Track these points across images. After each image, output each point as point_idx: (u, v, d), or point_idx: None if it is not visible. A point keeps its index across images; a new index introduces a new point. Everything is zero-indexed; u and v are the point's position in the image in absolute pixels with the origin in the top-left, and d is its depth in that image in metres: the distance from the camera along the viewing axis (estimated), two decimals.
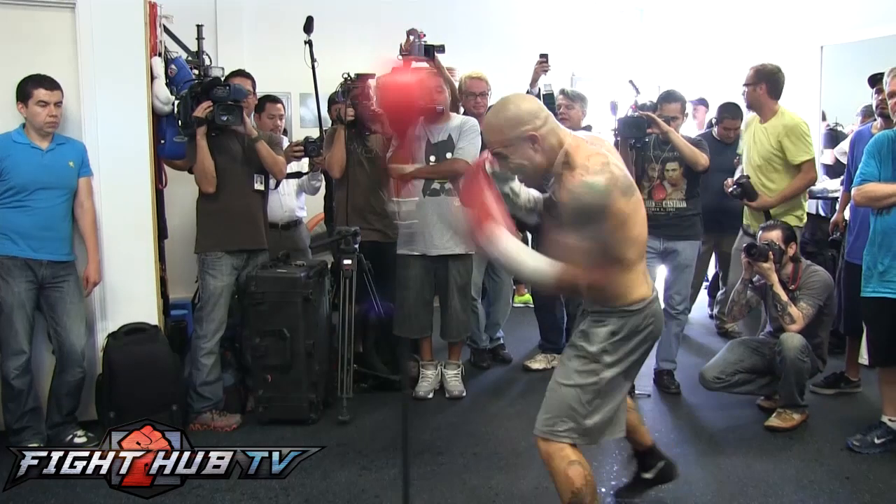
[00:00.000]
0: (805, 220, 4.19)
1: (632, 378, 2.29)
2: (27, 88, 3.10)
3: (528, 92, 4.39)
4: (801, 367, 3.38)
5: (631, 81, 4.09)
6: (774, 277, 3.48)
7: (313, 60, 4.13)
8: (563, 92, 4.14)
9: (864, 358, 3.54)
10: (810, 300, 3.47)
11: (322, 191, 4.56)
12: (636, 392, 3.92)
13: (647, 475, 2.71)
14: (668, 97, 3.98)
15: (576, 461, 2.13)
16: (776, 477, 2.98)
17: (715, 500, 2.82)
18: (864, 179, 3.16)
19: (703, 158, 3.82)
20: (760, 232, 3.68)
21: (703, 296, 5.46)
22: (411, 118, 2.11)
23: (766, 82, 4.02)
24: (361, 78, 3.93)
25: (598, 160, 1.99)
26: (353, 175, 3.99)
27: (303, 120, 6.04)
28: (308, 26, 4.10)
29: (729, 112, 4.92)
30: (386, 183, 4.06)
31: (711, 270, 5.67)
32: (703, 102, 6.30)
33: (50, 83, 3.12)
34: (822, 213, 5.19)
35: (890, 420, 3.22)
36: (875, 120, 3.85)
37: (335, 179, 4.09)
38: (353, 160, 3.98)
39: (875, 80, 3.60)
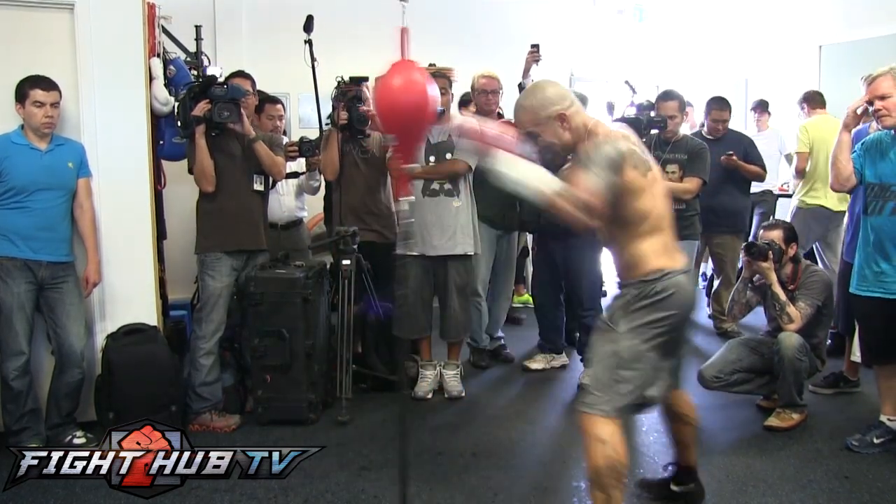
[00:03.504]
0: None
1: (667, 355, 2.26)
2: (24, 89, 3.10)
3: (520, 84, 4.40)
4: (799, 367, 3.39)
5: (627, 82, 4.10)
6: (773, 277, 3.48)
7: (313, 60, 4.13)
8: None
9: (856, 355, 3.55)
10: (809, 300, 3.47)
11: (323, 191, 4.57)
12: None
13: (675, 488, 2.73)
14: (666, 96, 3.99)
15: (602, 440, 2.15)
16: (775, 476, 2.98)
17: (714, 499, 2.82)
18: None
19: (686, 195, 3.85)
20: (762, 231, 3.69)
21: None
22: (420, 120, 2.11)
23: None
24: (355, 81, 3.93)
25: (617, 135, 2.21)
26: (348, 176, 4.00)
27: (303, 120, 6.04)
28: (308, 25, 4.10)
29: (717, 104, 4.90)
30: (384, 183, 4.08)
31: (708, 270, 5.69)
32: (689, 104, 6.31)
33: (47, 84, 3.12)
34: None
35: (889, 420, 3.22)
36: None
37: (329, 181, 4.10)
38: (349, 161, 3.99)
39: None
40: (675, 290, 2.21)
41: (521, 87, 4.40)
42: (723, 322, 5.10)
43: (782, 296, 3.46)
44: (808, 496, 2.82)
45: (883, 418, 3.24)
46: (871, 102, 3.06)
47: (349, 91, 3.93)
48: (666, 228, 2.26)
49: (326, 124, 4.17)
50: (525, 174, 2.10)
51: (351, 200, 4.00)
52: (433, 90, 2.04)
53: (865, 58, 5.68)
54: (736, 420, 3.63)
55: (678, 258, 2.26)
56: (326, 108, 4.36)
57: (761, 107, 6.30)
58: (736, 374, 3.61)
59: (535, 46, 4.32)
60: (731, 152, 4.76)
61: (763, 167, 4.95)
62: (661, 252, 2.23)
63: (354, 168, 4.01)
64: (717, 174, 4.44)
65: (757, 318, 4.35)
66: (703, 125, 5.17)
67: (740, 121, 6.99)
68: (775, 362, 3.43)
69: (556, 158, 2.34)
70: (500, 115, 4.49)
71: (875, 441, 3.19)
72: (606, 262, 5.27)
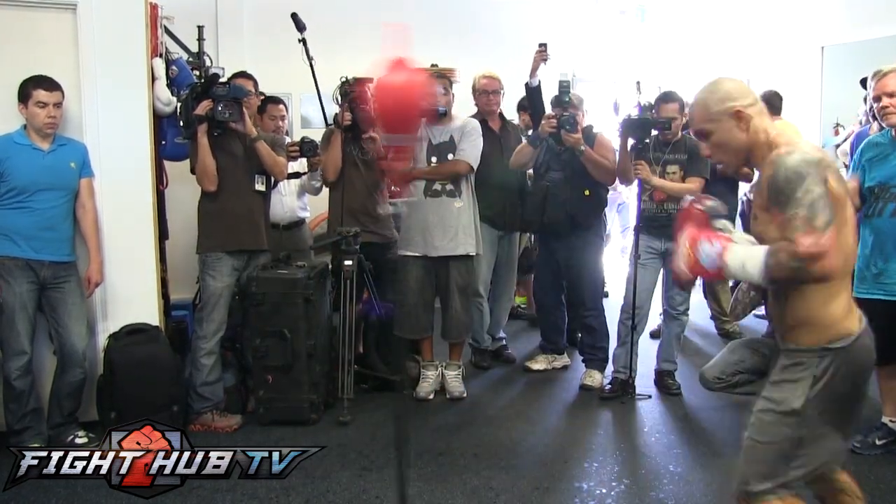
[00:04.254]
0: None
1: (843, 425, 1.90)
2: (27, 89, 3.11)
3: (526, 83, 4.38)
4: None
5: (638, 83, 4.07)
6: None
7: (310, 59, 4.12)
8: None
9: None
10: None
11: (327, 191, 4.57)
12: (637, 393, 3.92)
13: None
14: (666, 98, 3.98)
15: None
16: None
17: (715, 500, 2.81)
18: None
19: (690, 196, 3.82)
20: None
21: (698, 296, 5.45)
22: (412, 120, 2.10)
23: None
24: (359, 81, 3.93)
25: (806, 144, 1.88)
26: (348, 177, 3.99)
27: (305, 120, 6.04)
28: (297, 24, 4.09)
29: None
30: (382, 185, 4.07)
31: None
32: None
33: (49, 84, 3.13)
34: None
35: (891, 421, 3.22)
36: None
37: (330, 181, 4.10)
38: (349, 162, 3.98)
39: (866, 84, 3.59)
40: (867, 356, 1.86)
41: (527, 86, 4.38)
42: (724, 322, 5.10)
43: None
44: (809, 497, 2.81)
45: (885, 420, 3.23)
46: (877, 99, 3.04)
47: (352, 91, 3.92)
48: (850, 272, 1.84)
49: (329, 125, 4.17)
50: (743, 260, 1.81)
51: (350, 202, 3.99)
52: (431, 88, 2.03)
53: (868, 59, 5.67)
54: (738, 421, 3.62)
55: (857, 312, 1.87)
56: (327, 107, 4.36)
57: None
58: (738, 375, 3.57)
59: (543, 45, 4.29)
60: None
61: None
62: (847, 307, 1.83)
63: (354, 169, 3.99)
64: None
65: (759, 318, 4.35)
66: None
67: None
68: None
69: (728, 166, 2.08)
70: (501, 116, 4.49)
71: (877, 442, 3.18)
72: (608, 263, 5.30)
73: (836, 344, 1.80)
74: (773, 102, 5.26)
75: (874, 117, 3.38)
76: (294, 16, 4.05)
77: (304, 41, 4.09)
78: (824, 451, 1.87)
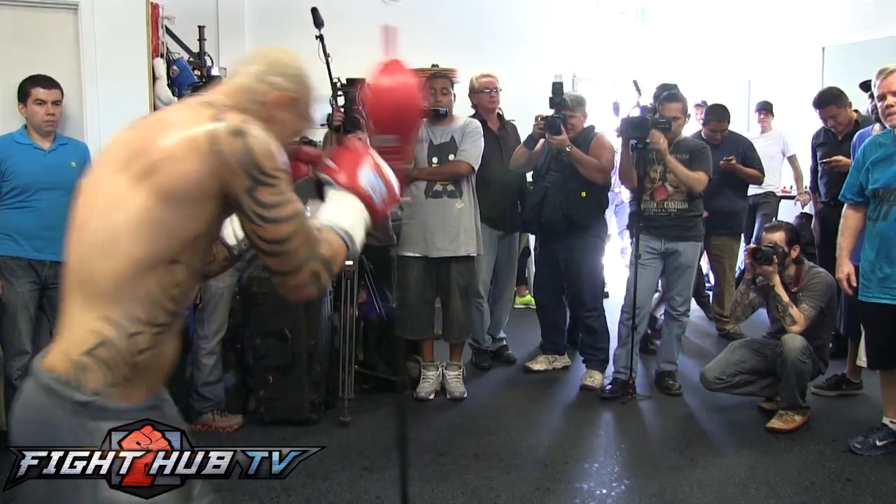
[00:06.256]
0: None
1: None
2: (26, 88, 3.12)
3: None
4: (802, 369, 3.38)
5: (635, 82, 4.07)
6: (776, 279, 3.48)
7: (327, 56, 4.12)
8: None
9: (861, 360, 3.54)
10: (812, 301, 3.46)
11: None
12: (637, 393, 3.92)
13: None
14: (670, 98, 3.97)
15: None
16: (777, 478, 2.98)
17: (716, 501, 2.81)
18: (843, 195, 3.25)
19: (698, 185, 3.82)
20: (764, 233, 3.68)
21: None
22: (402, 122, 2.10)
23: None
24: (352, 83, 3.93)
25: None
26: None
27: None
28: (316, 20, 4.08)
29: (715, 114, 4.93)
30: None
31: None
32: (703, 104, 6.31)
33: (48, 82, 3.13)
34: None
35: (891, 422, 3.21)
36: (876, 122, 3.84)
37: None
38: None
39: (867, 86, 3.58)
40: None
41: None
42: (725, 324, 5.09)
43: (785, 297, 3.45)
44: (810, 498, 2.82)
45: (886, 420, 3.23)
46: (882, 98, 3.02)
47: (347, 92, 3.94)
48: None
49: (322, 125, 4.18)
50: None
51: None
52: (420, 88, 2.03)
53: (869, 59, 5.67)
54: (738, 422, 3.62)
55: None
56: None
57: (765, 108, 6.29)
58: (738, 376, 3.61)
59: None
60: (731, 157, 4.78)
61: (761, 170, 4.97)
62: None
63: None
64: (714, 177, 4.46)
65: (760, 317, 4.34)
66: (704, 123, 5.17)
67: (742, 122, 6.99)
68: (778, 364, 3.43)
69: None
70: (499, 116, 4.49)
71: (878, 443, 3.18)
72: (608, 263, 5.29)
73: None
74: (770, 110, 5.29)
75: (877, 118, 3.37)
76: (314, 10, 4.03)
77: (321, 37, 4.07)
78: None
